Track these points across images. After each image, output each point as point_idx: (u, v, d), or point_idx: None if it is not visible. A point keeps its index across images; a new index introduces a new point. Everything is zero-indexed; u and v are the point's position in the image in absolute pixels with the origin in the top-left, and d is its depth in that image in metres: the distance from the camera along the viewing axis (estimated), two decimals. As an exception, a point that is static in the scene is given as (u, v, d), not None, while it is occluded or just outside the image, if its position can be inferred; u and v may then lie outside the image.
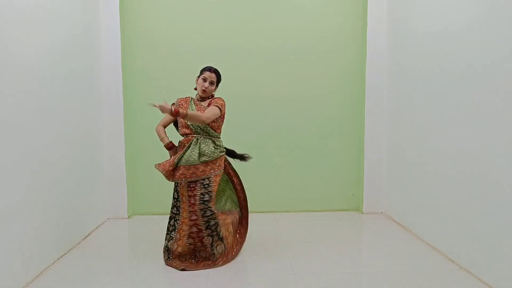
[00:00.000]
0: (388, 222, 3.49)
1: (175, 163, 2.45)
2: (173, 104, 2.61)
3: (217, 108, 2.51)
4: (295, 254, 2.70)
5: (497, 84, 2.13)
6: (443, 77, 2.66)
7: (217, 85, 2.66)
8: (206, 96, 2.63)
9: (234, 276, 2.38)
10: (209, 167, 2.49)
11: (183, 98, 2.67)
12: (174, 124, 2.72)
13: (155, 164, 2.55)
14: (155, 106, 2.28)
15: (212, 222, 2.46)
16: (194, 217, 2.44)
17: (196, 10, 3.68)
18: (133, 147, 3.73)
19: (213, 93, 2.67)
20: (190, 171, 2.44)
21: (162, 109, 2.30)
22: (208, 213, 2.45)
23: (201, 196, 2.44)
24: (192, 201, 2.45)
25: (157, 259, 2.62)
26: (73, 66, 2.93)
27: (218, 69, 2.64)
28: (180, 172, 2.45)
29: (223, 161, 2.61)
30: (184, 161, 2.45)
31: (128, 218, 3.66)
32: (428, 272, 2.39)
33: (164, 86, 3.69)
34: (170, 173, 2.46)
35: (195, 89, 2.65)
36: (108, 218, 3.63)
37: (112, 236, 3.19)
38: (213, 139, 2.57)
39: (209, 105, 2.57)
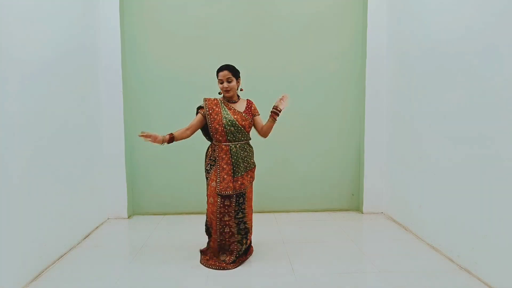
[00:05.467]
0: (388, 222, 3.49)
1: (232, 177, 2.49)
2: (201, 107, 2.54)
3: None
4: (295, 254, 2.70)
5: (498, 87, 2.12)
6: (443, 78, 2.66)
7: (237, 78, 2.55)
8: (232, 95, 2.55)
9: (234, 275, 2.38)
10: (249, 176, 2.58)
11: (212, 99, 2.56)
12: (201, 130, 2.61)
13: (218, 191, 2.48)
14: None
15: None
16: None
17: (196, 10, 3.67)
18: (133, 147, 3.73)
19: (239, 89, 2.61)
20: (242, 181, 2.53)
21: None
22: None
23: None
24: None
25: (157, 259, 2.62)
26: (73, 66, 2.93)
27: (230, 64, 2.56)
28: (239, 183, 2.51)
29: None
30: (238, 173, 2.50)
31: (128, 218, 3.66)
32: (428, 272, 2.39)
33: (164, 86, 3.69)
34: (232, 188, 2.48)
35: (220, 93, 2.59)
36: (108, 218, 3.63)
37: (112, 236, 3.19)
38: (249, 142, 2.62)
39: (246, 111, 2.56)
